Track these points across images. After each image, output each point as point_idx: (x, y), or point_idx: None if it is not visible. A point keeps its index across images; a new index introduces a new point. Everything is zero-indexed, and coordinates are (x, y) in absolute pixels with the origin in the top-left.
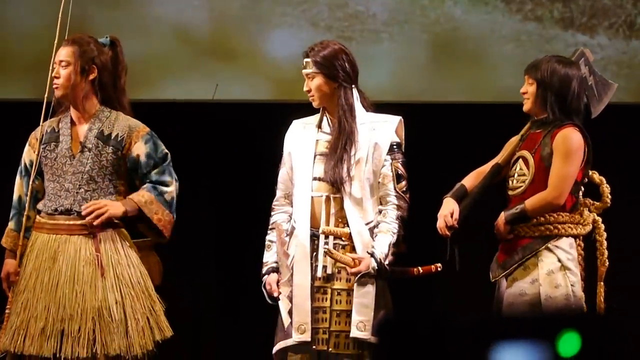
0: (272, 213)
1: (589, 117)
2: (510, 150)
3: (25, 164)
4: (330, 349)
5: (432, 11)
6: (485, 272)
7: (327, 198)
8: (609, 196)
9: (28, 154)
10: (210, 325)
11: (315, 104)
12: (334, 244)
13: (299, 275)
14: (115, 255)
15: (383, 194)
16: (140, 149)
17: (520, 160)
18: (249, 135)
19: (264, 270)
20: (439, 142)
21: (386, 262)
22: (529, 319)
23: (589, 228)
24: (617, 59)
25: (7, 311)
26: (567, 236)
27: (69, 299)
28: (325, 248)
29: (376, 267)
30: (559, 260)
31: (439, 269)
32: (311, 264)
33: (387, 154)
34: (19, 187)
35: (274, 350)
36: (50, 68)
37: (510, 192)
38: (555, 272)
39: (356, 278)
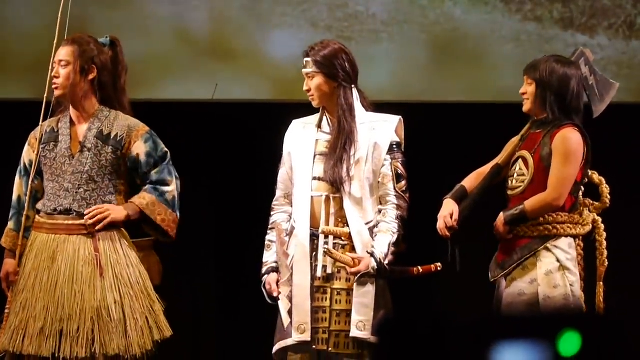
0: (272, 213)
1: (590, 117)
2: (510, 150)
3: (24, 164)
4: (330, 349)
5: (432, 11)
6: (485, 272)
7: (327, 198)
8: (609, 196)
9: (27, 154)
10: (209, 325)
11: (315, 104)
12: (334, 243)
13: (298, 275)
14: (114, 255)
15: (383, 193)
16: (140, 148)
17: (520, 161)
18: (248, 135)
19: (264, 270)
20: (439, 142)
21: (386, 262)
22: (529, 318)
23: (588, 228)
24: (617, 59)
25: (6, 311)
26: (566, 236)
27: (67, 298)
28: (325, 248)
29: (376, 267)
30: (558, 260)
31: (438, 268)
32: (311, 263)
33: (386, 154)
34: (19, 187)
35: (274, 350)
36: (50, 68)
37: (509, 192)
38: (554, 272)
39: (356, 278)
